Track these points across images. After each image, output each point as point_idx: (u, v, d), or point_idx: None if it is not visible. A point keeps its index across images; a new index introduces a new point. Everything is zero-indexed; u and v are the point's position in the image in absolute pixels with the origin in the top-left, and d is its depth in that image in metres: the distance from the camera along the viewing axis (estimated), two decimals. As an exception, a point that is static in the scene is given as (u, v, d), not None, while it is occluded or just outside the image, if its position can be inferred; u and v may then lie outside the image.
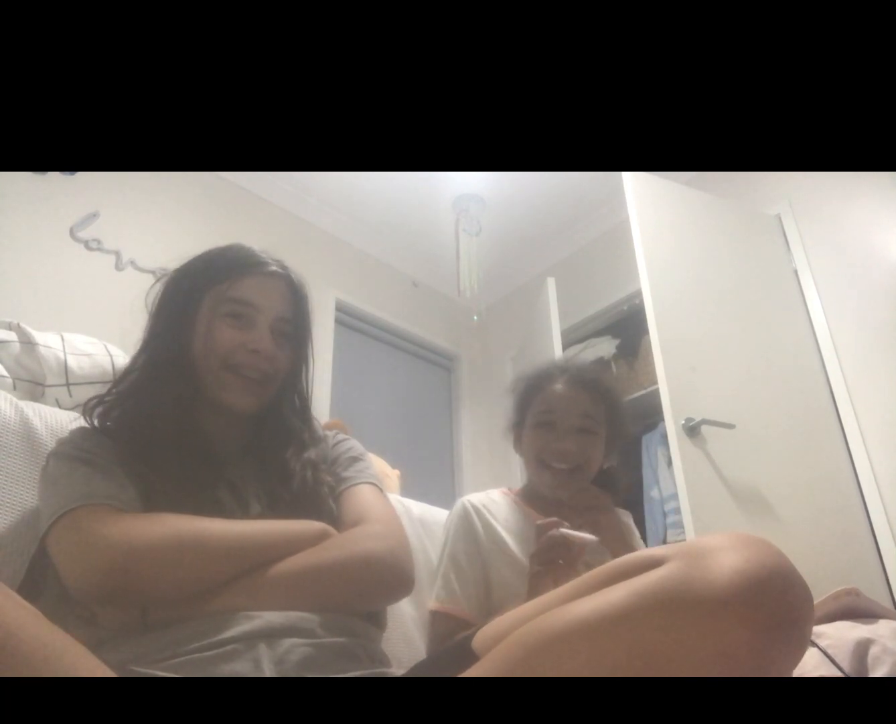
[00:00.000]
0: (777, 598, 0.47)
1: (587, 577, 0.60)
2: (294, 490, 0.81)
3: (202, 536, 0.70)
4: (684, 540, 1.86)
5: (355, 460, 0.92)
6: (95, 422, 0.84)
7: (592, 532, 0.93)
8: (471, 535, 1.08)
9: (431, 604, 1.05)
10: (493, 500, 1.16)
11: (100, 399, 0.85)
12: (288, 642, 0.65)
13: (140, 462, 0.77)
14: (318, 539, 0.75)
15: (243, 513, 0.79)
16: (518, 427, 1.20)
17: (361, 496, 0.85)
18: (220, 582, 0.69)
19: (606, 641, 0.50)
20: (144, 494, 0.75)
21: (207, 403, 0.85)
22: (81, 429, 0.84)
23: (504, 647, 0.56)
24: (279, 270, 0.89)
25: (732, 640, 0.46)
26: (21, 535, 0.81)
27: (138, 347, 0.88)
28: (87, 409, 0.84)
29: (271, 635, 0.65)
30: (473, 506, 1.11)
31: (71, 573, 0.68)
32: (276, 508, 0.80)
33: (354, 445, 0.96)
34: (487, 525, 1.09)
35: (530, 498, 1.17)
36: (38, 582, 0.74)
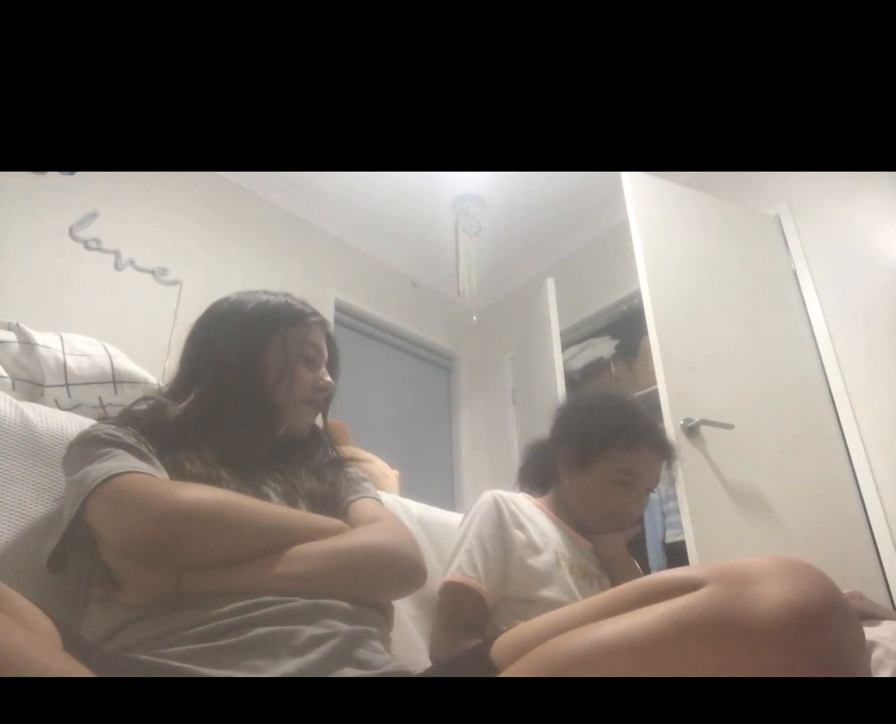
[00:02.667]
0: (827, 637, 0.44)
1: (616, 593, 0.58)
2: (310, 497, 0.88)
3: (243, 506, 0.75)
4: (682, 540, 1.86)
5: (362, 479, 1.00)
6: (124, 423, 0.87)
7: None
8: (498, 522, 1.09)
9: (452, 576, 1.04)
10: (519, 498, 1.18)
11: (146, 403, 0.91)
12: (308, 631, 0.67)
13: (167, 455, 0.82)
14: (337, 532, 0.80)
15: None
16: (582, 465, 1.16)
17: (370, 507, 0.93)
18: (254, 552, 0.73)
19: (635, 666, 0.48)
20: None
21: (271, 430, 0.92)
22: (106, 421, 0.87)
23: (527, 663, 0.55)
24: (321, 319, 1.01)
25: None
26: (21, 536, 0.81)
27: (193, 371, 0.92)
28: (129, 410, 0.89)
29: (291, 622, 0.67)
30: (502, 497, 1.14)
31: (120, 529, 0.71)
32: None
33: (359, 470, 1.05)
34: (514, 516, 1.11)
35: (556, 509, 1.19)
36: (67, 554, 0.76)
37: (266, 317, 0.94)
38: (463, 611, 1.02)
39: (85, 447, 0.79)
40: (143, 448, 0.80)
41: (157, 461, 0.80)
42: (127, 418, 0.86)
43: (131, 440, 0.80)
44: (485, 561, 1.05)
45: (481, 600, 1.02)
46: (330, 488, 0.92)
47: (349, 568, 0.77)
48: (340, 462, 1.01)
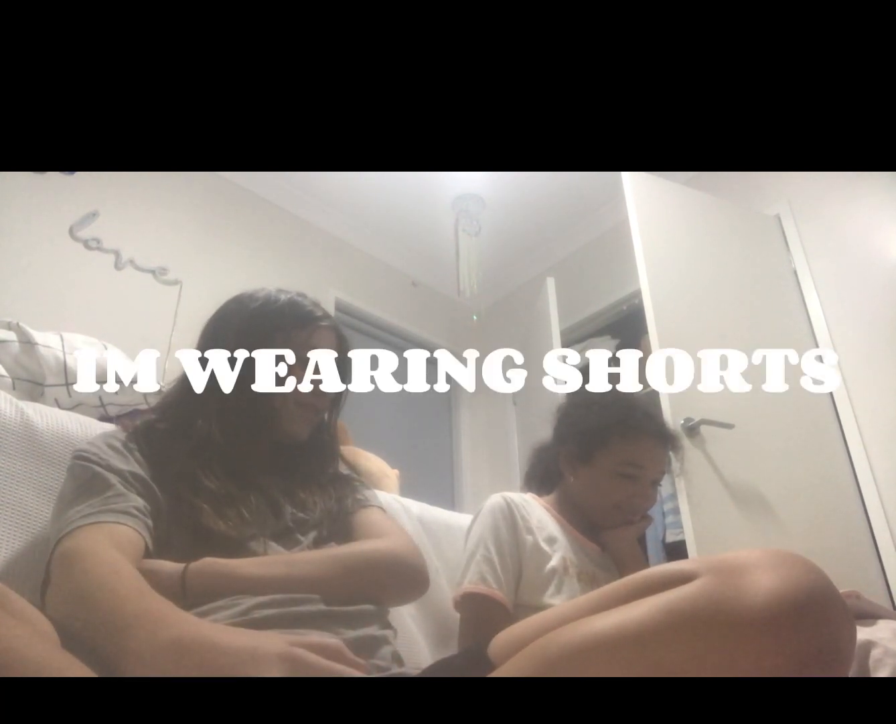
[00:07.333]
0: (817, 624, 0.44)
1: (610, 589, 0.59)
2: (320, 513, 0.90)
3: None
4: (682, 540, 1.86)
5: (366, 488, 1.02)
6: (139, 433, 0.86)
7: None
8: (512, 526, 1.08)
9: (476, 587, 1.01)
10: (527, 500, 1.17)
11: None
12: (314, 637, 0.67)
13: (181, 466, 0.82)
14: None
15: (276, 516, 0.84)
16: (584, 460, 1.15)
17: (375, 515, 0.95)
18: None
19: (629, 658, 0.48)
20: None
21: (267, 431, 0.92)
22: (115, 432, 0.86)
23: (523, 657, 0.55)
24: (331, 323, 1.00)
25: (766, 667, 0.44)
26: (23, 536, 0.81)
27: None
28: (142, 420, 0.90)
29: (297, 627, 0.67)
30: (513, 500, 1.12)
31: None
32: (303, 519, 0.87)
33: (363, 482, 1.06)
34: (525, 520, 1.10)
35: (563, 510, 1.18)
36: None
37: (268, 318, 0.93)
38: (489, 622, 0.98)
39: (72, 480, 0.77)
40: (130, 480, 0.76)
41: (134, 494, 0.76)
42: (138, 434, 0.85)
43: (117, 470, 0.77)
44: (503, 569, 1.03)
45: (505, 610, 1.00)
46: (336, 504, 0.93)
47: (355, 573, 0.78)
48: (347, 478, 1.01)
